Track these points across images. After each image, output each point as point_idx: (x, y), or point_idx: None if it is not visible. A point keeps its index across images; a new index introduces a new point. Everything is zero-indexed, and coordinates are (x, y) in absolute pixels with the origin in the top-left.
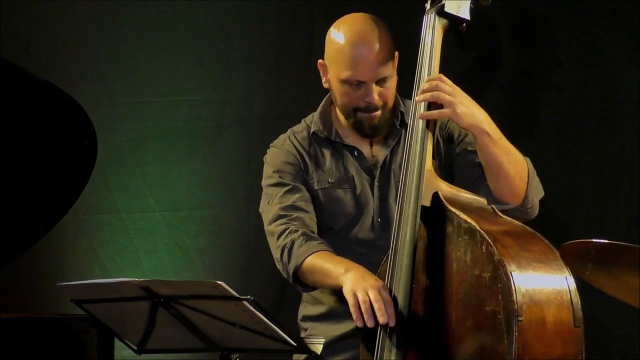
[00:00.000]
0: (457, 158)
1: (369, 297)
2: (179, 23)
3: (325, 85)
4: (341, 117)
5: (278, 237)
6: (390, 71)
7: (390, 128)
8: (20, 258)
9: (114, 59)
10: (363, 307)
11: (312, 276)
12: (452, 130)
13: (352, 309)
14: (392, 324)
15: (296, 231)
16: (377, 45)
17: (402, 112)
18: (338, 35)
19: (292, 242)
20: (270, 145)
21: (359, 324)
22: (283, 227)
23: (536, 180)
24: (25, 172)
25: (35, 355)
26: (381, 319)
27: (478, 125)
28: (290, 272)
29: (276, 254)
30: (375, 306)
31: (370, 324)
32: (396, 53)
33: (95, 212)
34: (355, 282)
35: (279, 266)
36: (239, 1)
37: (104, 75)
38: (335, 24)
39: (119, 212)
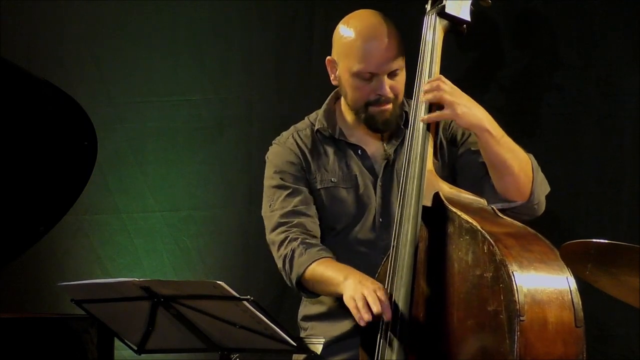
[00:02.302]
0: (460, 158)
1: (363, 294)
2: (179, 23)
3: (334, 82)
4: (347, 115)
5: (279, 247)
6: (401, 64)
7: (395, 127)
8: (20, 258)
9: (114, 59)
10: (359, 304)
11: (314, 285)
12: (456, 131)
13: (353, 312)
14: (387, 317)
15: (296, 239)
16: (387, 38)
17: (406, 112)
18: (348, 30)
19: (293, 252)
20: (272, 142)
21: (362, 324)
22: (283, 235)
23: (541, 176)
24: (25, 172)
25: (35, 355)
26: (374, 308)
27: (479, 124)
28: (294, 281)
29: (278, 264)
30: (369, 299)
31: (367, 317)
32: (404, 49)
33: (95, 212)
34: (353, 288)
35: (282, 274)
36: (239, 1)
37: (104, 75)
38: (343, 20)
39: (119, 212)
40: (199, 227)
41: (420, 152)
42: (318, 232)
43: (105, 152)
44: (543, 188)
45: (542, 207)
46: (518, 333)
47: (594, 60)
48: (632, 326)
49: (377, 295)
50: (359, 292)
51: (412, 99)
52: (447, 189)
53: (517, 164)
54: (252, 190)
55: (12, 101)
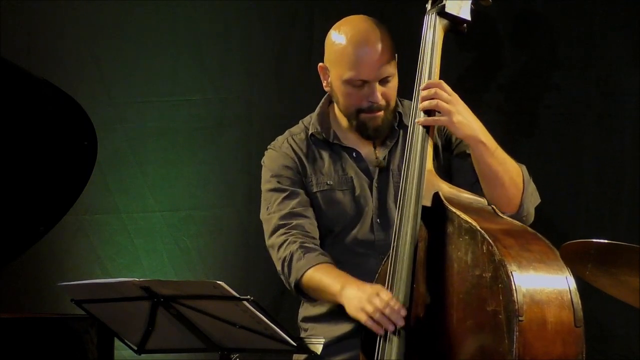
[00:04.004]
0: (454, 161)
1: (376, 305)
2: (179, 23)
3: (327, 89)
4: (340, 119)
5: (278, 249)
6: (393, 71)
7: (389, 129)
8: (20, 258)
9: (114, 59)
10: (376, 317)
11: (312, 291)
12: (450, 134)
13: (368, 324)
14: (404, 314)
15: (294, 242)
16: (379, 45)
17: (400, 113)
18: (339, 36)
19: (291, 255)
20: (267, 147)
21: (382, 333)
22: (282, 238)
23: (532, 188)
24: (25, 172)
25: (35, 355)
26: (399, 324)
27: (474, 135)
28: (292, 285)
29: (278, 266)
30: (386, 312)
31: (390, 329)
32: (395, 55)
33: (95, 212)
34: (356, 300)
35: (282, 277)
36: (239, 1)
37: (104, 75)
38: (334, 26)
39: (119, 212)
40: (199, 227)
41: (419, 152)
42: (317, 234)
43: (105, 152)
44: (533, 200)
45: (531, 218)
46: (517, 333)
47: (594, 60)
48: (632, 326)
49: (391, 307)
50: (368, 303)
51: (410, 98)
52: (446, 189)
53: (508, 176)
54: (252, 190)
55: (12, 101)
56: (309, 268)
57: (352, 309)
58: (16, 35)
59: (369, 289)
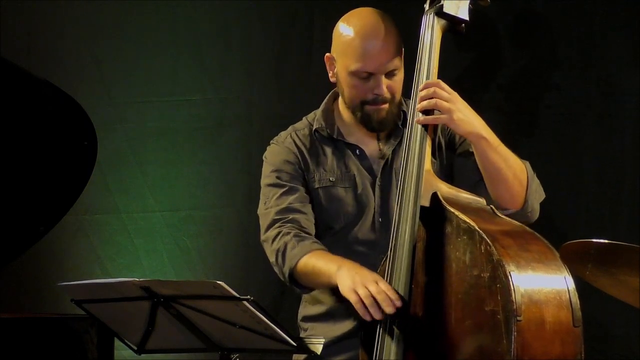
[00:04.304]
0: (457, 161)
1: (369, 291)
2: (179, 23)
3: (332, 80)
4: (345, 114)
5: (272, 242)
6: (399, 64)
7: (393, 127)
8: (20, 258)
9: (114, 59)
10: (367, 302)
11: (307, 277)
12: (454, 133)
13: (357, 306)
14: (398, 304)
15: (288, 233)
16: (386, 38)
17: (404, 112)
18: (347, 28)
19: (285, 245)
20: (270, 142)
21: (368, 319)
22: (277, 230)
23: (536, 184)
24: (25, 172)
25: (35, 355)
26: (387, 309)
27: (475, 132)
28: (286, 274)
29: (271, 258)
30: (379, 298)
31: (378, 316)
32: (402, 48)
33: (95, 212)
34: (351, 279)
35: (275, 269)
36: (239, 1)
37: (104, 75)
38: (343, 17)
39: (119, 212)
40: (199, 227)
41: (417, 152)
42: (312, 230)
43: (105, 152)
44: (537, 196)
45: (536, 215)
46: (515, 333)
47: (594, 60)
48: (632, 326)
49: (386, 294)
50: (361, 286)
51: (410, 98)
52: (445, 189)
53: (512, 172)
54: (252, 190)
55: (12, 101)
56: (304, 255)
57: (345, 287)
58: (16, 35)
59: (368, 274)
